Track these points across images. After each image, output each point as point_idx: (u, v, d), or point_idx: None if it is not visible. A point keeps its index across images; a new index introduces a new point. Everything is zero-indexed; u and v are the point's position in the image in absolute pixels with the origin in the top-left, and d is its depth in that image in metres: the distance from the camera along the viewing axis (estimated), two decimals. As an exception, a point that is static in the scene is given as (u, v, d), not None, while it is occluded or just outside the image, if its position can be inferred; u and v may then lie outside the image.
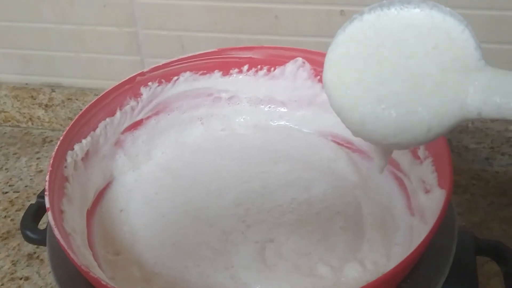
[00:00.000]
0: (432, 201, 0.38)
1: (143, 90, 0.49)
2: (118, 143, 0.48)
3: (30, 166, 0.71)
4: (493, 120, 0.65)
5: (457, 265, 0.38)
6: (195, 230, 0.42)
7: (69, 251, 0.33)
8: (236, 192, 0.45)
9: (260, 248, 0.40)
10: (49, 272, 0.56)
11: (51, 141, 0.75)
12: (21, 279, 0.56)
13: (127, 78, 0.48)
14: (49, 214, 0.35)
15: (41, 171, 0.70)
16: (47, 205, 0.36)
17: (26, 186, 0.68)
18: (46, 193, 0.37)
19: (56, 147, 0.41)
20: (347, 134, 0.50)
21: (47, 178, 0.38)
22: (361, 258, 0.39)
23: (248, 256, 0.39)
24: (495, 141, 0.65)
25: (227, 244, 0.40)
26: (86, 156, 0.44)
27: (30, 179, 0.69)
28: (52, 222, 0.35)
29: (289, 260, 0.39)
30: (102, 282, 0.31)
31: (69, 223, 0.38)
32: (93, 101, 0.45)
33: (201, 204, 0.44)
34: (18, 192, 0.67)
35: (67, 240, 0.35)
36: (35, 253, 0.59)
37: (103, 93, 0.47)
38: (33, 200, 0.52)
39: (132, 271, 0.39)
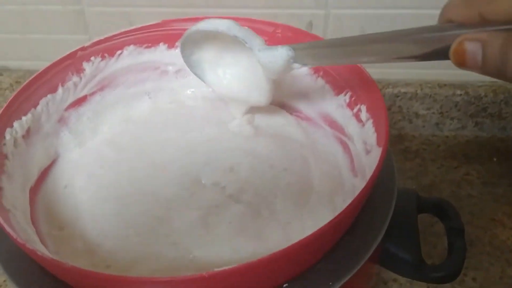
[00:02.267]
0: (372, 160, 0.39)
1: (85, 65, 0.48)
2: (62, 120, 0.47)
3: (-20, 152, 0.69)
4: (441, 86, 0.66)
5: (399, 222, 0.40)
6: (138, 201, 0.42)
7: (6, 226, 0.32)
8: (181, 162, 0.45)
9: (204, 214, 0.40)
10: None
11: (2, 126, 0.73)
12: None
13: (68, 53, 0.47)
14: (-16, 190, 0.35)
15: (-8, 156, 0.68)
16: (-18, 182, 0.35)
17: (-24, 172, 0.66)
18: (-19, 170, 0.36)
19: (-7, 124, 0.40)
20: (295, 103, 0.51)
21: (-18, 155, 0.37)
22: (308, 213, 0.40)
23: (190, 222, 0.39)
24: (444, 106, 0.67)
25: (170, 212, 0.40)
26: (27, 134, 0.43)
27: (-19, 165, 0.67)
28: (-13, 198, 0.34)
29: (233, 225, 0.39)
30: (38, 253, 0.31)
31: (8, 200, 0.37)
32: (32, 77, 0.44)
33: (145, 175, 0.44)
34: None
35: (5, 216, 0.35)
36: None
37: (43, 68, 0.46)
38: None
39: (76, 244, 0.39)
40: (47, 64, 0.70)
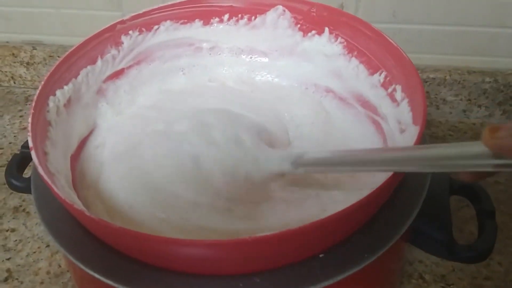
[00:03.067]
0: (407, 139, 0.39)
1: (123, 38, 0.49)
2: (100, 92, 0.49)
3: (14, 123, 0.71)
4: (470, 72, 0.66)
5: (431, 202, 0.40)
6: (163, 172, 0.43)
7: (54, 187, 0.33)
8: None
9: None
10: (36, 224, 0.57)
11: (34, 99, 0.75)
12: (7, 231, 0.57)
13: (107, 26, 0.48)
14: (32, 153, 0.36)
15: (24, 128, 0.70)
16: (30, 144, 0.36)
17: (10, 143, 0.68)
18: (29, 134, 0.37)
19: (38, 91, 0.41)
20: (327, 82, 0.52)
21: (30, 120, 0.38)
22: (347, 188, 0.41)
23: (217, 209, 0.40)
24: (472, 94, 0.67)
25: (196, 195, 0.41)
26: (69, 103, 0.45)
27: (14, 136, 0.69)
28: (36, 161, 0.35)
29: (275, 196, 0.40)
30: (86, 213, 0.32)
31: (52, 164, 0.39)
32: (73, 48, 0.46)
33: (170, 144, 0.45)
34: (2, 148, 0.67)
35: (52, 179, 0.36)
36: (21, 206, 0.59)
37: (83, 40, 0.47)
38: (17, 155, 0.53)
39: (97, 204, 0.40)
40: (80, 39, 0.71)
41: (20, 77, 0.76)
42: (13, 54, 0.74)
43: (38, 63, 0.74)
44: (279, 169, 0.41)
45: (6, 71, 0.76)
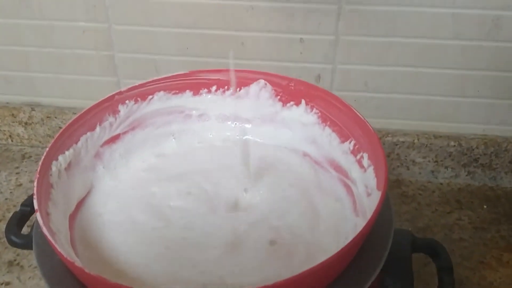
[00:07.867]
0: (372, 202, 0.44)
1: (120, 107, 0.55)
2: (97, 156, 0.53)
3: (10, 180, 0.75)
4: (436, 137, 0.72)
5: (394, 260, 0.44)
6: (162, 228, 0.47)
7: (57, 246, 0.37)
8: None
9: (230, 243, 0.45)
10: (29, 278, 0.60)
11: (30, 157, 0.79)
12: (1, 284, 0.59)
13: (107, 96, 0.53)
14: (37, 215, 0.40)
15: (20, 185, 0.74)
16: (36, 207, 0.41)
17: (6, 199, 0.71)
18: (35, 196, 0.41)
19: (43, 157, 0.45)
20: (304, 147, 0.57)
21: (35, 183, 0.43)
22: (319, 238, 0.46)
23: (216, 255, 0.44)
24: (438, 156, 0.73)
25: (195, 243, 0.45)
26: (69, 166, 0.49)
27: (10, 192, 0.73)
28: (40, 222, 0.39)
29: (261, 251, 0.45)
30: (86, 270, 0.36)
31: (54, 224, 0.43)
32: (75, 117, 0.50)
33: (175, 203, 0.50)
34: (-1, 204, 0.70)
35: (54, 238, 0.40)
36: (15, 260, 0.63)
37: (85, 109, 0.52)
38: (13, 212, 0.56)
39: (104, 266, 0.43)
40: (76, 101, 0.77)
41: (18, 135, 0.81)
42: (12, 114, 0.79)
43: (36, 123, 0.79)
44: None
45: (4, 130, 0.80)
